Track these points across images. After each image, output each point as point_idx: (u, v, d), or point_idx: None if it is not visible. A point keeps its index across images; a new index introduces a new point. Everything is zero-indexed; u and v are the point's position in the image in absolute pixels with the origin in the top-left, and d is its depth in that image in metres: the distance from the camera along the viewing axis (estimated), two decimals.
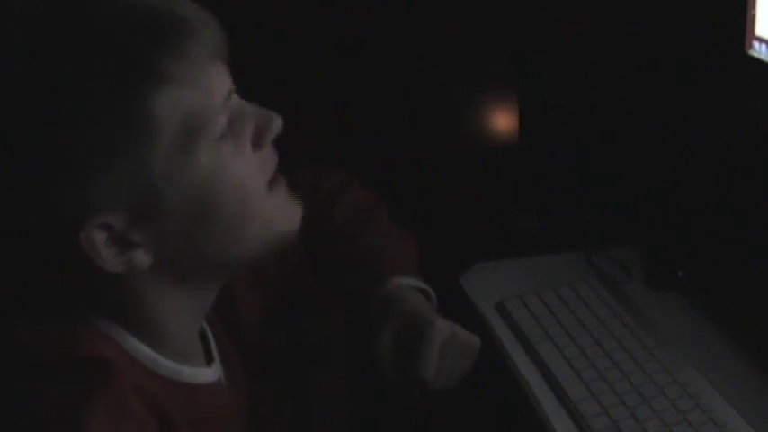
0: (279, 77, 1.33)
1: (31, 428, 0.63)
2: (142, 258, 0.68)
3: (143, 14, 0.66)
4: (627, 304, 1.15)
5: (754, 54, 1.11)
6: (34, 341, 0.68)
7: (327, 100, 1.40)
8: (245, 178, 0.72)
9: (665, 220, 1.28)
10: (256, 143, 0.74)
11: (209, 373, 0.80)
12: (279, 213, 0.76)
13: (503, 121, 1.49)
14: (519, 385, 1.05)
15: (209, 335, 0.84)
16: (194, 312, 0.78)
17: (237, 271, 0.86)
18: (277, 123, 0.75)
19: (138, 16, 0.66)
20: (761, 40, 1.10)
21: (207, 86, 0.69)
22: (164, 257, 0.69)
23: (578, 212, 1.38)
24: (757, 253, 1.17)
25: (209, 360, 0.83)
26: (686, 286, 1.19)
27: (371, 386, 1.00)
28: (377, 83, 1.43)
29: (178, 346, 0.76)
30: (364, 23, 1.40)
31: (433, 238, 1.35)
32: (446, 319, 0.91)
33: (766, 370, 1.03)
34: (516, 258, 1.27)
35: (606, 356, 1.05)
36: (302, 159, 0.85)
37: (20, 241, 0.68)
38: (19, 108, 0.64)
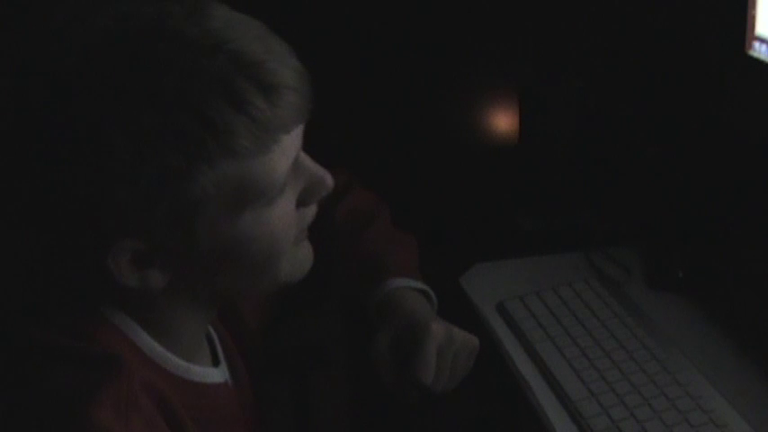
0: None
1: (40, 419, 0.64)
2: (158, 279, 0.69)
3: (233, 74, 0.64)
4: (627, 304, 1.15)
5: (754, 54, 1.11)
6: (48, 334, 0.69)
7: (328, 100, 1.40)
8: (279, 233, 0.72)
9: (665, 220, 1.28)
10: (303, 202, 0.74)
11: (216, 374, 0.81)
12: (295, 263, 0.77)
13: (503, 121, 1.49)
14: (519, 385, 1.05)
15: (215, 338, 0.85)
16: (202, 319, 0.79)
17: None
18: (328, 186, 0.75)
19: (228, 76, 0.63)
20: (761, 40, 1.10)
21: (275, 159, 0.67)
22: (178, 281, 0.70)
23: (578, 212, 1.38)
24: (757, 253, 1.17)
25: (215, 363, 0.83)
26: (686, 286, 1.19)
27: (372, 388, 1.00)
28: (377, 83, 1.43)
29: (186, 345, 0.76)
30: (365, 24, 1.40)
31: (433, 237, 1.35)
32: (444, 320, 0.91)
33: (766, 370, 1.03)
34: (516, 258, 1.27)
35: (606, 357, 1.05)
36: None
37: (49, 244, 0.69)
38: (86, 137, 0.63)
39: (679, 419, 0.95)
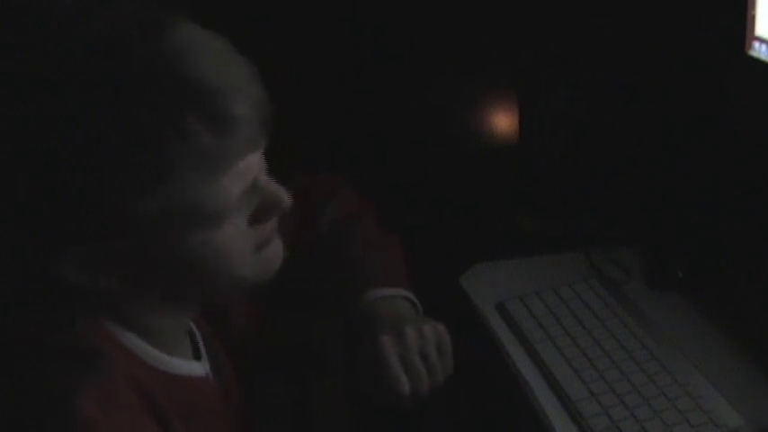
0: (282, 79, 1.33)
1: (25, 411, 0.65)
2: (109, 283, 0.69)
3: (182, 105, 0.63)
4: (627, 304, 1.15)
5: (754, 54, 1.11)
6: (32, 330, 0.70)
7: (329, 101, 1.40)
8: (231, 252, 0.72)
9: (664, 221, 1.28)
10: (257, 220, 0.73)
11: (196, 367, 0.82)
12: (261, 266, 0.76)
13: (503, 122, 1.49)
14: (519, 385, 1.05)
15: (198, 334, 0.85)
16: (179, 317, 0.79)
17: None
18: (284, 207, 0.74)
19: (176, 106, 0.63)
20: (761, 40, 1.10)
21: (225, 185, 0.67)
22: (134, 285, 0.71)
23: (578, 213, 1.38)
24: (757, 253, 1.17)
25: (197, 357, 0.84)
26: (686, 286, 1.19)
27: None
28: (378, 84, 1.43)
29: (167, 341, 0.77)
30: (365, 25, 1.40)
31: (433, 238, 1.35)
32: (433, 318, 0.90)
33: (766, 370, 1.03)
34: (516, 258, 1.27)
35: (606, 356, 1.05)
36: (301, 162, 0.85)
37: (12, 246, 0.69)
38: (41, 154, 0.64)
39: (679, 419, 0.95)
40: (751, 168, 1.20)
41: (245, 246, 0.73)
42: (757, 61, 1.11)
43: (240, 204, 0.70)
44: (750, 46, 1.11)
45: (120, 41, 0.64)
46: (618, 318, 1.12)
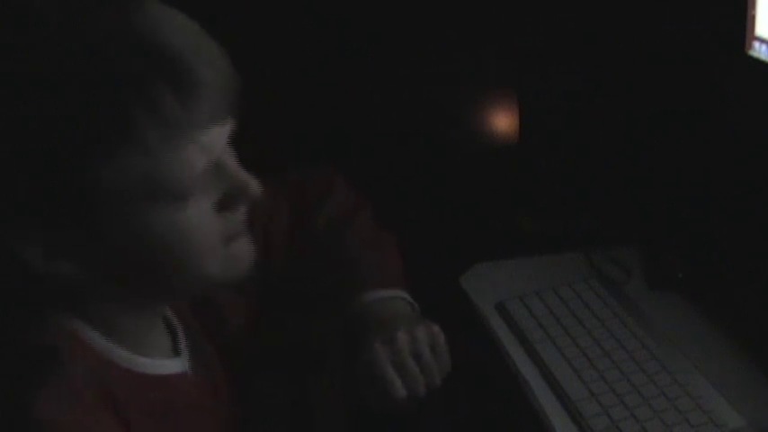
0: (281, 79, 1.33)
1: None
2: (70, 270, 0.68)
3: (146, 69, 0.63)
4: (627, 304, 1.15)
5: (754, 54, 1.11)
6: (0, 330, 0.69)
7: (329, 101, 1.40)
8: (196, 238, 0.70)
9: (665, 221, 1.28)
10: (224, 207, 0.72)
11: (171, 365, 0.80)
12: (229, 262, 0.74)
13: (503, 121, 1.49)
14: (519, 385, 1.05)
15: (178, 329, 0.84)
16: (148, 311, 0.78)
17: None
18: (252, 195, 0.73)
19: (140, 70, 0.63)
20: (761, 40, 1.10)
21: (188, 157, 0.66)
22: (98, 273, 0.69)
23: (578, 213, 1.38)
24: (757, 253, 1.17)
25: (178, 353, 0.82)
26: (686, 286, 1.19)
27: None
28: (378, 83, 1.43)
29: (135, 337, 0.76)
30: (365, 24, 1.40)
31: (433, 237, 1.35)
32: (428, 318, 0.90)
33: (766, 370, 1.03)
34: (516, 258, 1.27)
35: (606, 356, 1.05)
36: (300, 163, 0.84)
37: None
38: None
39: (679, 419, 0.95)
40: (751, 168, 1.20)
41: (212, 234, 0.71)
42: (757, 61, 1.11)
43: (204, 184, 0.69)
44: (750, 46, 1.11)
45: (93, 7, 0.64)
46: (618, 318, 1.12)
